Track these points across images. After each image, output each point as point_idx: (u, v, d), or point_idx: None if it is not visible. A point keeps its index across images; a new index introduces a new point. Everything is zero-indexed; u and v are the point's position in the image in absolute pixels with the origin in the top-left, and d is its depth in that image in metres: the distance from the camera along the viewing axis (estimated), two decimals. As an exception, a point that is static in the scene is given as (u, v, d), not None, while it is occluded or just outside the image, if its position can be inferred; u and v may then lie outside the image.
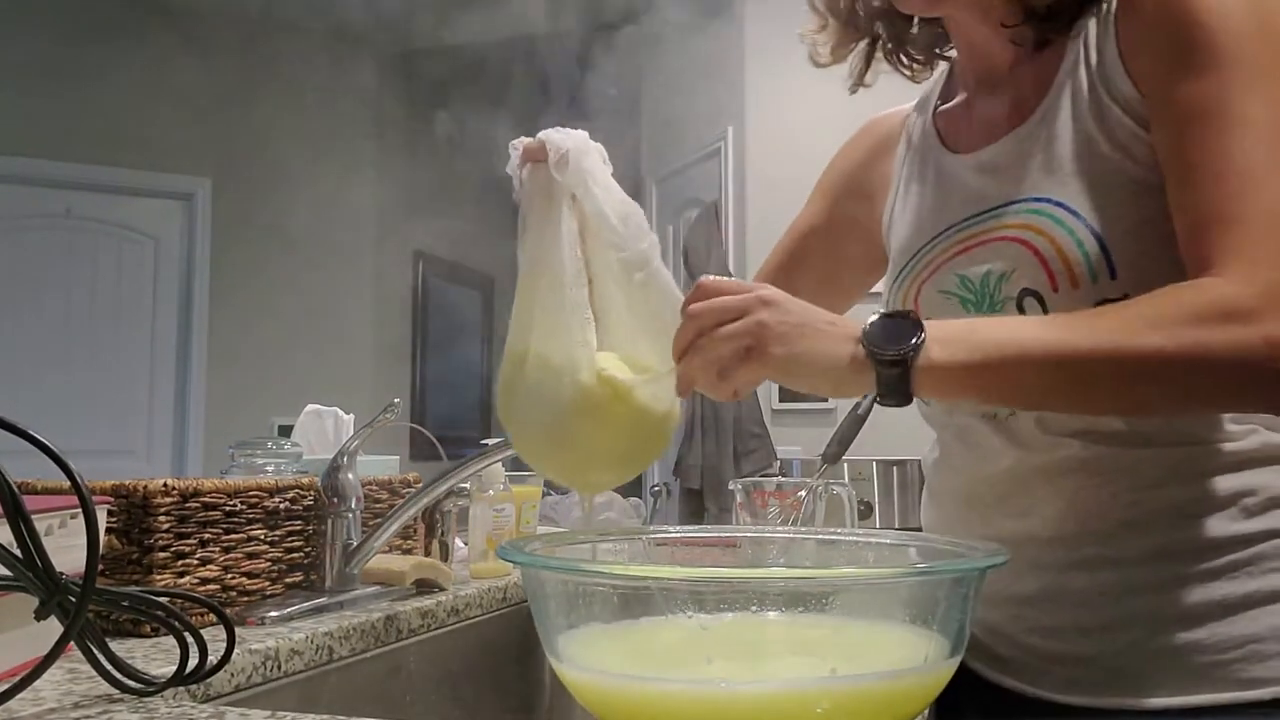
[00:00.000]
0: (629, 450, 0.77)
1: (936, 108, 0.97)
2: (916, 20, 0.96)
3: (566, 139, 0.79)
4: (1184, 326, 0.66)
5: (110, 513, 0.84)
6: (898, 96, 1.05)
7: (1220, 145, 0.70)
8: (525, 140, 0.80)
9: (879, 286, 1.02)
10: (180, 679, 0.64)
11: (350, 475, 1.02)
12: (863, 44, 0.98)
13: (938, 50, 0.98)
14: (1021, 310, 0.80)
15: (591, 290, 0.78)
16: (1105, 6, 0.80)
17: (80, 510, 0.57)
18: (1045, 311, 0.78)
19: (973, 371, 0.69)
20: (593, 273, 0.79)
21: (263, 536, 0.95)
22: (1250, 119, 0.70)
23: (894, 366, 0.68)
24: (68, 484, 0.56)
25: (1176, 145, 0.73)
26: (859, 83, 1.00)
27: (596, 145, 0.82)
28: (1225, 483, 0.76)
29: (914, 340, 0.68)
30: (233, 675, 0.77)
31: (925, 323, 0.69)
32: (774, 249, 1.10)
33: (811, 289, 0.97)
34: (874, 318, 0.70)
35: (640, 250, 0.79)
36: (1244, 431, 0.77)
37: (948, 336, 0.69)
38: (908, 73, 0.99)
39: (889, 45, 0.98)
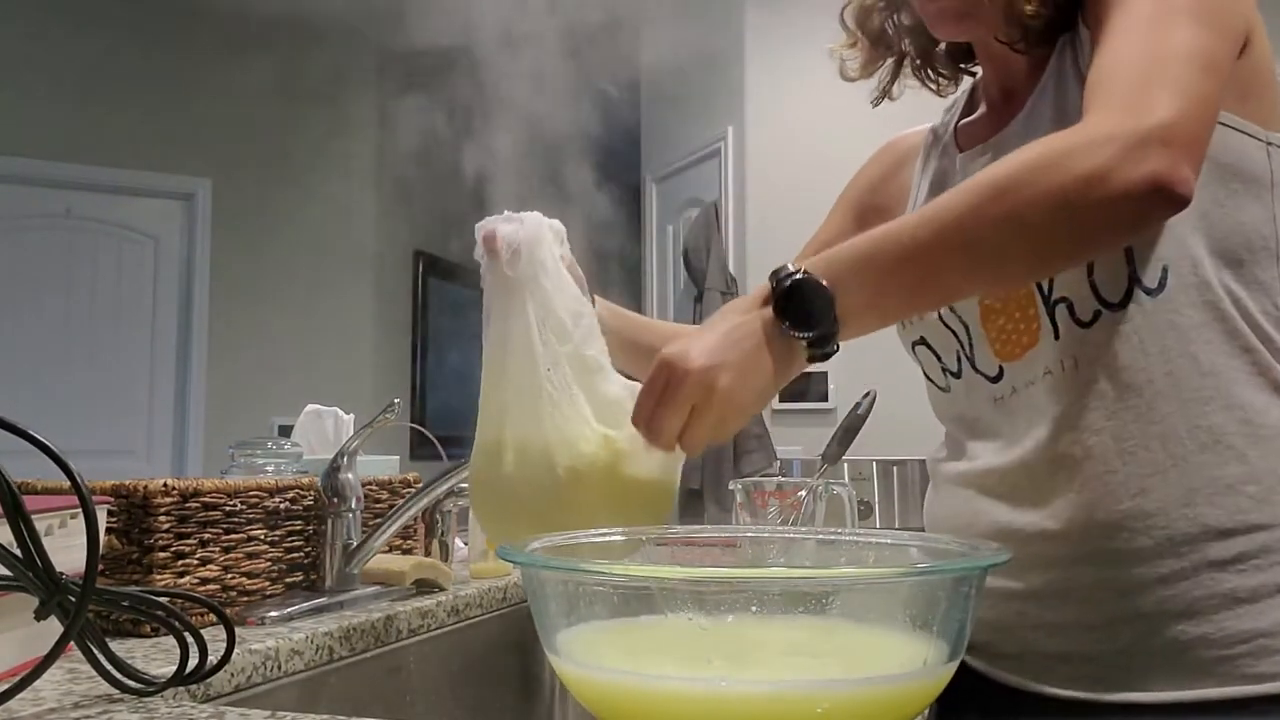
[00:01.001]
0: (631, 519, 0.78)
1: (959, 120, 0.99)
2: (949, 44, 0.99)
3: (518, 231, 0.81)
4: (1055, 156, 0.69)
5: (110, 513, 0.84)
6: (905, 106, 1.06)
7: (1113, 21, 0.75)
8: (484, 227, 0.84)
9: None
10: (180, 679, 0.64)
11: (350, 475, 1.02)
12: (891, 60, 1.01)
13: (963, 65, 1.01)
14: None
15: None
16: None
17: (80, 510, 0.57)
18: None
19: (883, 299, 0.72)
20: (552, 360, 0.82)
21: (263, 536, 0.95)
22: (1124, 11, 0.75)
23: (823, 338, 0.72)
24: (68, 484, 0.56)
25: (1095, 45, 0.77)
26: (884, 95, 1.03)
27: (551, 225, 0.85)
28: (1234, 473, 0.76)
29: (831, 307, 0.71)
30: (233, 675, 0.77)
31: (817, 274, 0.71)
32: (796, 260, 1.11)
33: None
34: (772, 292, 0.72)
35: (590, 356, 0.83)
36: (1257, 423, 0.77)
37: (846, 276, 0.71)
38: (934, 87, 1.02)
39: (916, 61, 1.01)
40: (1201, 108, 0.70)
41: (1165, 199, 0.68)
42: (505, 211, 0.86)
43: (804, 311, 0.71)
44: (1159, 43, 0.72)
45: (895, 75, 1.01)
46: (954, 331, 0.89)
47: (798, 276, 0.71)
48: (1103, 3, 0.78)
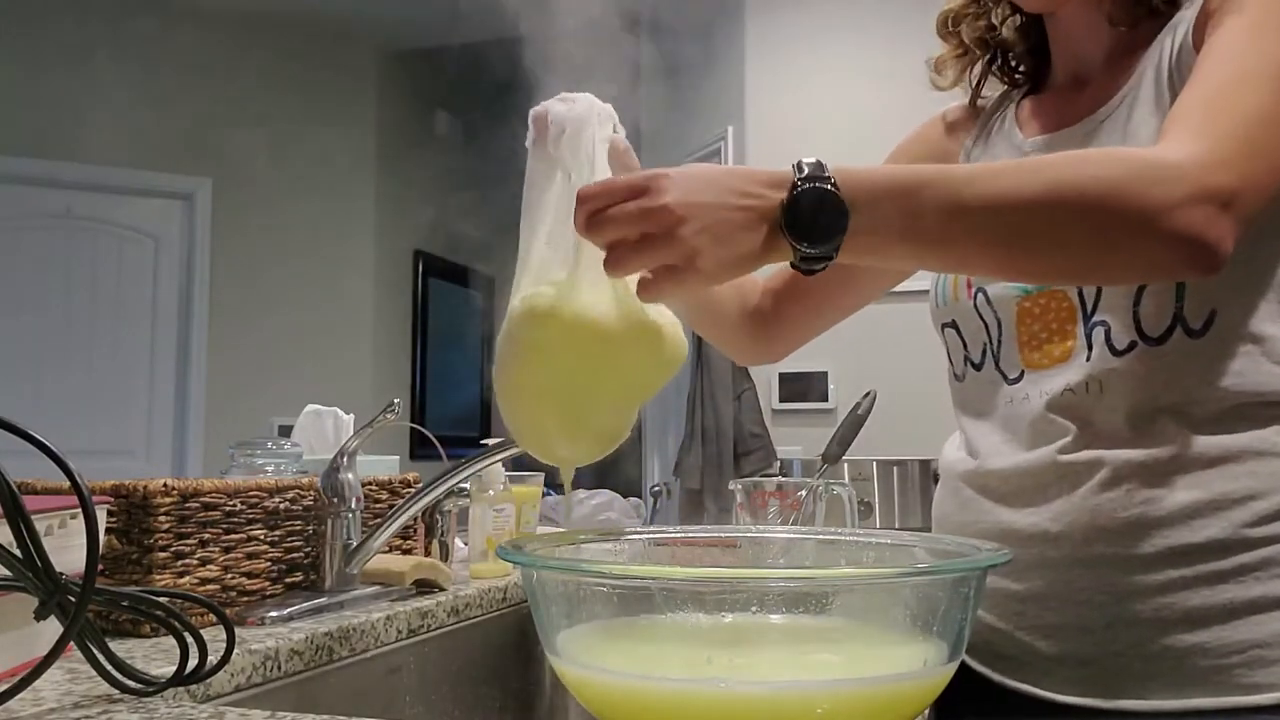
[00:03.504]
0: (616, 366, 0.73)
1: (1021, 98, 0.99)
2: (1021, 32, 1.00)
3: (568, 110, 0.78)
4: (1106, 169, 0.68)
5: (110, 513, 0.84)
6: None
7: (1202, 69, 0.74)
8: (536, 110, 0.80)
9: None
10: (180, 679, 0.64)
11: (350, 475, 1.02)
12: (980, 64, 1.02)
13: (1042, 53, 1.01)
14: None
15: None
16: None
17: (80, 510, 0.57)
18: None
19: (898, 237, 0.68)
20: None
21: (263, 536, 0.95)
22: (1232, 41, 0.74)
23: (818, 261, 0.67)
24: (68, 484, 0.56)
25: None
26: (977, 96, 1.03)
27: (604, 109, 0.80)
28: (1237, 486, 0.76)
29: (839, 233, 0.66)
30: (233, 675, 0.76)
31: (845, 188, 0.66)
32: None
33: (864, 270, 1.00)
34: (792, 190, 0.66)
35: None
36: (1262, 433, 0.77)
37: (872, 201, 0.66)
38: (1020, 77, 1.02)
39: (999, 61, 1.02)
40: (1272, 180, 0.70)
41: (1201, 260, 0.67)
42: (561, 94, 0.81)
43: (812, 225, 0.66)
44: (1263, 97, 0.71)
45: (984, 76, 1.02)
46: (986, 324, 0.89)
47: (823, 187, 0.66)
48: (1215, 18, 0.77)
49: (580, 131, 0.77)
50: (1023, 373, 0.86)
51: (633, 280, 0.71)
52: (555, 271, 0.74)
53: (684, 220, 0.65)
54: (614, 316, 0.71)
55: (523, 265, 0.75)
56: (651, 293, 0.68)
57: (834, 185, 0.66)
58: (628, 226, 0.66)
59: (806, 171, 0.67)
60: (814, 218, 0.66)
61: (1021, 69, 1.02)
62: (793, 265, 0.68)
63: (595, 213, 0.66)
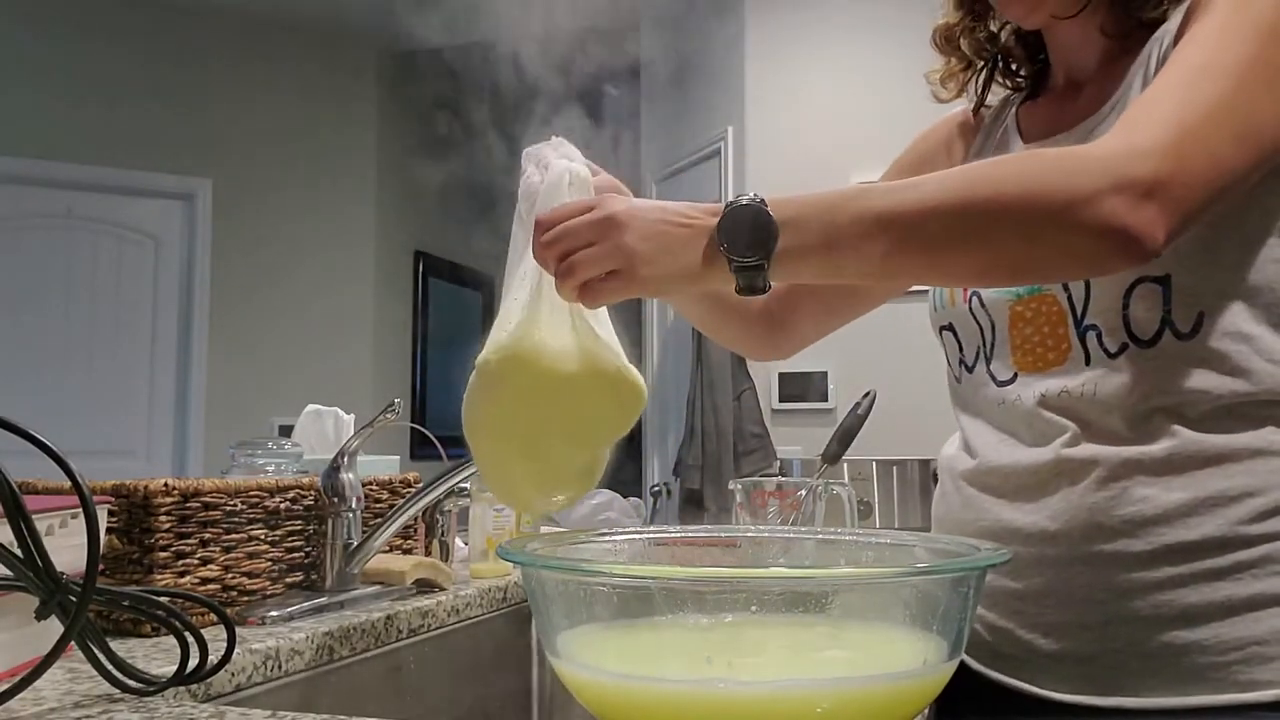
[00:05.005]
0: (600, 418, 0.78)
1: (1021, 102, 1.00)
2: (1019, 39, 1.01)
3: (540, 181, 0.81)
4: (1025, 165, 0.70)
5: (111, 512, 0.84)
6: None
7: (1162, 71, 0.75)
8: (530, 152, 0.84)
9: None
10: (181, 679, 0.64)
11: (350, 475, 1.02)
12: (983, 73, 1.03)
13: (1041, 58, 1.02)
14: (1064, 284, 0.82)
15: None
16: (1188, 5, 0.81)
17: (81, 510, 0.57)
18: (1088, 285, 0.80)
19: (827, 251, 0.72)
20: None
21: (263, 536, 0.95)
22: (1195, 41, 0.75)
23: (754, 271, 0.72)
24: (68, 484, 0.56)
25: None
26: (981, 104, 1.04)
27: (577, 173, 0.82)
28: (1236, 483, 0.76)
29: (769, 239, 0.71)
30: (233, 675, 0.77)
31: (774, 206, 0.71)
32: None
33: None
34: (726, 209, 0.72)
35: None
36: (1258, 432, 0.77)
37: (800, 218, 0.71)
38: (1021, 81, 1.03)
39: (1000, 66, 1.03)
40: (1212, 174, 0.69)
41: (1124, 249, 0.67)
42: (553, 138, 0.85)
43: (743, 236, 0.71)
44: (1203, 93, 0.70)
45: (988, 84, 1.03)
46: (981, 327, 0.90)
47: (754, 205, 0.71)
48: (1190, 21, 0.77)
49: (549, 200, 0.80)
50: (1016, 375, 0.86)
51: (593, 321, 0.77)
52: (517, 317, 0.77)
53: (626, 227, 0.72)
54: (571, 355, 0.76)
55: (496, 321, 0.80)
56: (592, 297, 0.74)
57: (763, 203, 0.72)
58: (576, 239, 0.72)
59: (739, 198, 0.72)
60: (745, 230, 0.71)
61: (1022, 73, 1.02)
62: (737, 290, 0.73)
63: (548, 233, 0.73)
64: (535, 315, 0.76)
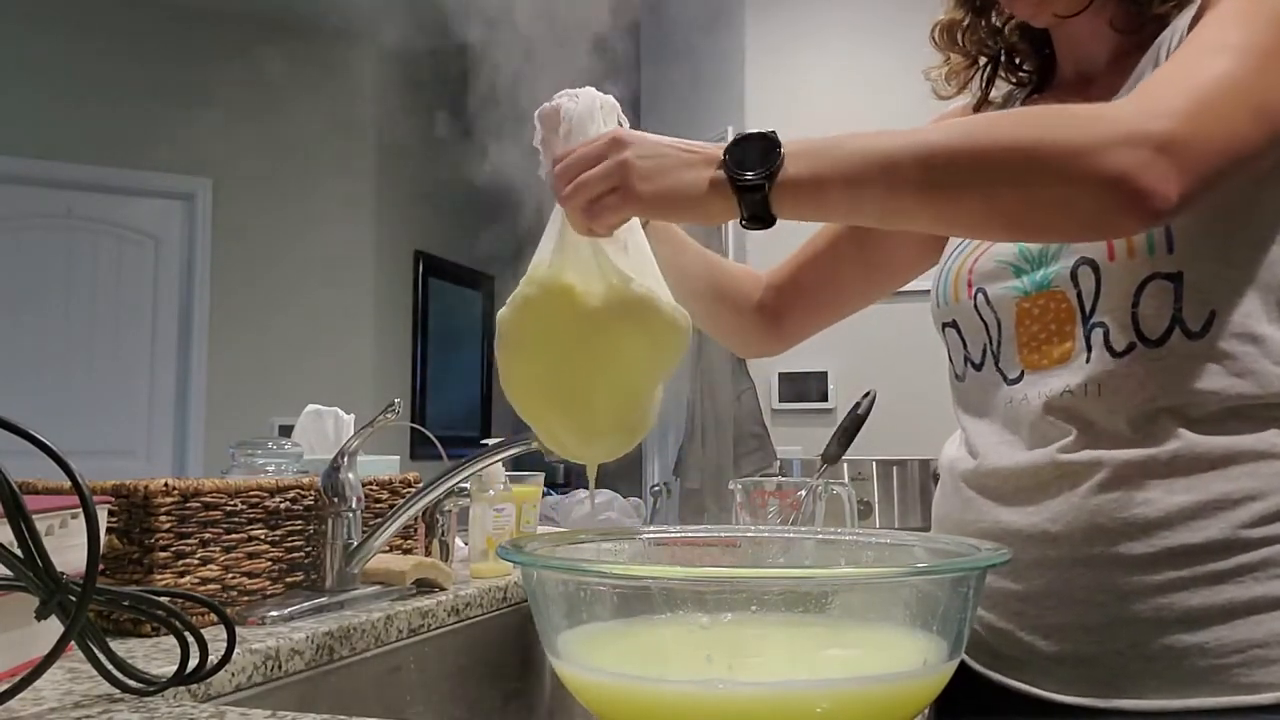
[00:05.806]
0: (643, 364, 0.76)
1: (1026, 96, 1.00)
2: (1024, 34, 1.00)
3: (574, 106, 0.80)
4: (1037, 118, 0.69)
5: (111, 512, 0.84)
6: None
7: (1177, 50, 0.75)
8: (545, 108, 0.82)
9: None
10: (181, 679, 0.64)
11: (350, 475, 1.02)
12: (987, 69, 1.03)
13: (1046, 52, 1.01)
14: (1075, 280, 0.81)
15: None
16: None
17: (81, 510, 0.57)
18: (1098, 281, 0.79)
19: (831, 184, 0.71)
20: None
21: (263, 536, 0.95)
22: (1211, 23, 0.74)
23: (754, 191, 0.71)
24: (68, 484, 0.56)
25: None
26: (985, 99, 1.03)
27: (607, 101, 0.82)
28: (1239, 486, 0.76)
29: (773, 160, 0.71)
30: (233, 675, 0.77)
31: (785, 141, 0.72)
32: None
33: (866, 268, 1.04)
34: (737, 136, 0.73)
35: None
36: (1262, 435, 0.77)
37: (807, 151, 0.71)
38: (1025, 76, 1.03)
39: (1003, 60, 1.02)
40: (1228, 142, 0.68)
41: (1132, 204, 0.65)
42: (564, 90, 0.84)
43: (750, 156, 0.71)
44: (1222, 67, 0.70)
45: (992, 79, 1.03)
46: (986, 324, 0.89)
47: (762, 133, 0.72)
48: (1205, 11, 0.77)
49: (585, 126, 0.78)
50: (1022, 373, 0.86)
51: (618, 259, 0.74)
52: (539, 262, 0.76)
53: (629, 145, 0.73)
54: (597, 292, 0.73)
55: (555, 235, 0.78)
56: (595, 218, 0.73)
57: (773, 133, 0.72)
58: (583, 164, 0.73)
59: (751, 131, 0.73)
60: (754, 152, 0.72)
61: (1027, 68, 1.02)
62: (742, 223, 0.72)
63: (566, 169, 0.73)
64: (559, 259, 0.75)
